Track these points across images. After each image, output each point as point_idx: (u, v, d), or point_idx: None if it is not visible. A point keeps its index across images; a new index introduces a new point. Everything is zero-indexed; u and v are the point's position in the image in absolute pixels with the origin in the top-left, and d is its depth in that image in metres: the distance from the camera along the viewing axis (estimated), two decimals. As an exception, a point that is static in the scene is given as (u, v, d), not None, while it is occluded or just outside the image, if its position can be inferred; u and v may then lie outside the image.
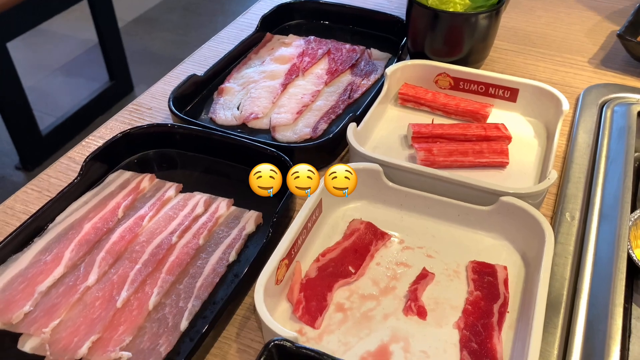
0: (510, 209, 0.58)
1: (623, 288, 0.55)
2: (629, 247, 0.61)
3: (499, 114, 0.77)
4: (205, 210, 0.63)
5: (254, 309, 0.53)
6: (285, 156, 0.64)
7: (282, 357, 0.44)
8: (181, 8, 2.99)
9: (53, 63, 2.48)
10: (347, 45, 0.89)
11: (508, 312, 0.53)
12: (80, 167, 0.64)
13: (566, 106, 0.70)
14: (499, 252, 0.59)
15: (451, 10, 0.77)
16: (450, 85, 0.79)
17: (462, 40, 0.78)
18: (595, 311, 0.54)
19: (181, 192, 0.66)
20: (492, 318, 0.53)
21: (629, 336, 0.58)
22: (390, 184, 0.63)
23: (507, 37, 0.96)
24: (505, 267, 0.57)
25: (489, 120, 0.76)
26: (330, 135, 0.68)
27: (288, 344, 0.44)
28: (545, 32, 0.98)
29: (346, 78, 0.83)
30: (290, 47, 0.89)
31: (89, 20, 2.06)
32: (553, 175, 0.61)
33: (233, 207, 0.64)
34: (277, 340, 0.44)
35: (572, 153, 0.71)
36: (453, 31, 0.78)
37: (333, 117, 0.76)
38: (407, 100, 0.78)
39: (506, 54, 0.92)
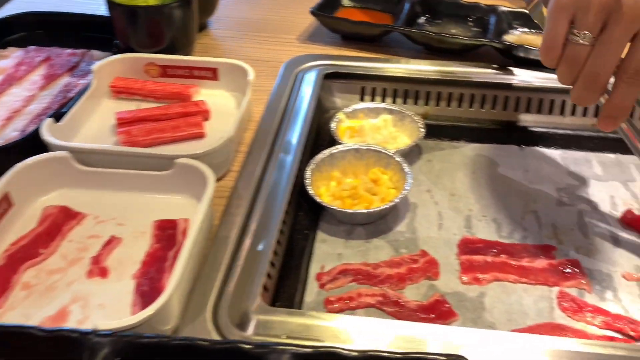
0: (185, 168, 0.66)
1: (282, 214, 0.66)
2: (308, 184, 0.73)
3: (206, 92, 0.86)
4: None
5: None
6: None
7: None
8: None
9: None
10: (68, 50, 0.93)
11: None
12: None
13: (251, 76, 0.81)
14: (183, 208, 0.67)
15: (143, 4, 0.85)
16: (160, 74, 0.86)
17: (161, 31, 0.86)
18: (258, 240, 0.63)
19: None
20: (166, 263, 0.60)
21: (310, 258, 0.69)
22: (83, 167, 0.68)
23: (230, 25, 1.06)
24: (187, 220, 0.65)
25: (198, 99, 0.84)
26: (25, 135, 0.72)
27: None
28: (266, 17, 1.09)
29: (64, 80, 0.87)
30: (8, 59, 0.90)
31: None
32: (223, 136, 0.70)
33: None
34: None
35: (265, 118, 0.81)
36: (150, 24, 0.85)
37: (44, 118, 0.80)
38: (119, 92, 0.84)
39: (225, 41, 1.02)
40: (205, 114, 0.79)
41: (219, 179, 0.72)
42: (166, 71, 0.85)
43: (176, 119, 0.77)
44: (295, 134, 0.78)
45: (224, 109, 0.83)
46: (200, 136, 0.77)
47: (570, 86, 0.60)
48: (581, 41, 0.56)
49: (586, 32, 0.56)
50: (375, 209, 0.70)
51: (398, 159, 0.77)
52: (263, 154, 0.74)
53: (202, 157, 0.68)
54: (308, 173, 0.74)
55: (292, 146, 0.76)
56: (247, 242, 0.63)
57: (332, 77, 0.90)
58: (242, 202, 0.67)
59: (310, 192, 0.72)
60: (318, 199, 0.71)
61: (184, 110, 0.79)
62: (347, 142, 0.83)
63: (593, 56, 0.56)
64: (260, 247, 0.62)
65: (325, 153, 0.78)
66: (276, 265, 0.65)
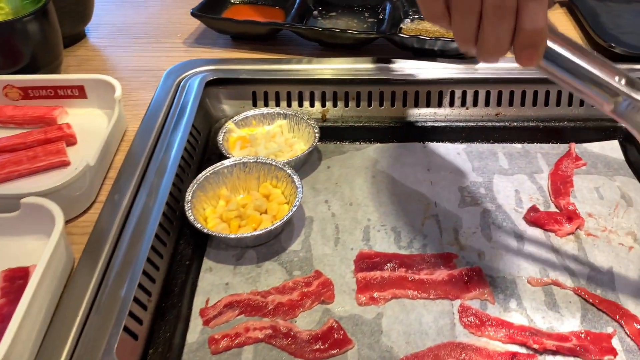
0: (33, 208, 0.58)
1: (148, 249, 0.59)
2: (189, 208, 0.65)
3: (75, 112, 0.77)
4: None
5: None
6: None
7: None
8: None
9: None
10: None
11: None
12: None
13: (118, 92, 0.73)
14: (37, 253, 0.59)
15: (-10, 19, 0.75)
16: (21, 96, 0.76)
17: (16, 48, 0.76)
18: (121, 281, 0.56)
19: None
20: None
21: (194, 292, 0.62)
22: None
23: (109, 33, 0.97)
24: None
25: (67, 121, 0.75)
26: None
27: None
28: (150, 22, 1.01)
29: None
30: None
31: None
32: (79, 167, 0.62)
33: None
34: None
35: (139, 136, 0.73)
36: (3, 41, 0.75)
37: None
38: (-29, 120, 0.74)
39: (105, 50, 0.93)
40: (70, 138, 0.70)
41: (82, 213, 0.64)
42: (28, 93, 0.76)
43: (35, 148, 0.68)
44: (174, 152, 0.70)
45: (95, 130, 0.74)
46: (64, 164, 0.68)
47: (471, 45, 0.49)
48: None
49: None
50: (263, 231, 0.63)
51: (288, 171, 0.70)
52: (134, 179, 0.66)
53: (56, 191, 0.59)
54: (189, 195, 0.67)
55: (169, 166, 0.68)
56: (110, 284, 0.55)
57: (218, 83, 0.82)
58: (105, 238, 0.59)
59: (190, 217, 0.65)
60: (199, 225, 0.64)
61: (45, 136, 0.69)
62: (238, 155, 0.77)
63: None
64: (123, 290, 0.55)
65: (209, 171, 0.70)
66: (149, 307, 0.57)
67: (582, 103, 0.83)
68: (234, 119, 0.80)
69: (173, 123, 0.74)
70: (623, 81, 0.50)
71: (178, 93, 0.80)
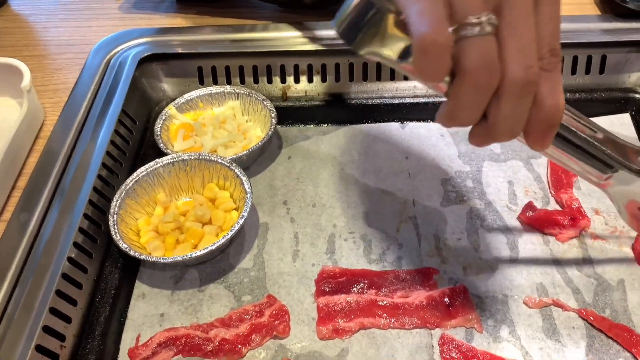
0: None
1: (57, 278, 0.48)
2: (114, 223, 0.54)
3: (-18, 102, 0.65)
4: None
5: None
6: None
7: None
8: None
9: None
10: None
11: None
12: None
13: (26, 81, 0.60)
14: None
15: None
16: None
17: None
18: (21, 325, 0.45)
19: None
20: None
21: (122, 327, 0.52)
22: None
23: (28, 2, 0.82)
24: None
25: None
26: None
27: None
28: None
29: None
30: None
31: None
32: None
33: None
34: None
35: (56, 131, 0.60)
36: None
37: None
38: None
39: (30, 19, 0.78)
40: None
41: (-20, 237, 0.52)
42: None
43: None
44: (96, 150, 0.58)
45: (6, 127, 0.61)
46: (-39, 172, 0.56)
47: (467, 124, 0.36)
48: (480, 30, 0.33)
49: (483, 14, 0.33)
50: (203, 252, 0.52)
51: (236, 170, 0.59)
52: (46, 189, 0.55)
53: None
54: (115, 206, 0.55)
55: (90, 169, 0.56)
56: (7, 335, 0.44)
57: (156, 59, 0.69)
58: (4, 272, 0.48)
59: (114, 235, 0.53)
60: (124, 247, 0.52)
61: (-63, 136, 0.57)
62: (181, 148, 0.65)
63: (508, 49, 0.33)
64: (22, 341, 0.44)
65: (141, 172, 0.59)
66: (62, 355, 0.47)
67: (587, 71, 0.70)
68: (176, 101, 0.67)
69: (99, 111, 0.62)
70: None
71: (107, 73, 0.66)
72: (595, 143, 0.41)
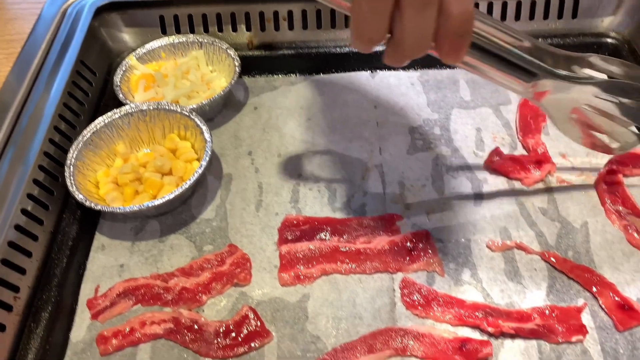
0: None
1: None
2: (70, 174, 0.53)
3: None
4: None
5: None
6: None
7: None
8: None
9: None
10: None
11: None
12: None
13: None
14: None
15: None
16: None
17: None
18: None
19: None
20: None
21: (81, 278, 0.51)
22: None
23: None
24: None
25: None
26: None
27: None
28: None
29: None
30: None
31: None
32: None
33: None
34: None
35: (9, 83, 0.58)
36: None
37: None
38: None
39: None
40: None
41: None
42: None
43: None
44: (50, 100, 0.56)
45: (-43, 76, 0.60)
46: None
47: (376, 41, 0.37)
48: None
49: None
50: (162, 201, 0.51)
51: (196, 119, 0.57)
52: (-1, 140, 0.53)
53: None
54: (72, 157, 0.54)
55: (43, 119, 0.55)
56: (-43, 286, 0.44)
57: (115, 8, 0.66)
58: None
59: (70, 186, 0.52)
60: (80, 197, 0.51)
61: None
62: (142, 99, 0.63)
63: None
64: (-26, 291, 0.43)
65: (98, 123, 0.57)
66: (16, 306, 0.46)
67: (560, 15, 0.69)
68: (137, 52, 0.65)
69: (53, 62, 0.60)
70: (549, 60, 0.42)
71: (64, 23, 0.64)
72: (514, 50, 0.40)
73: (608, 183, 0.54)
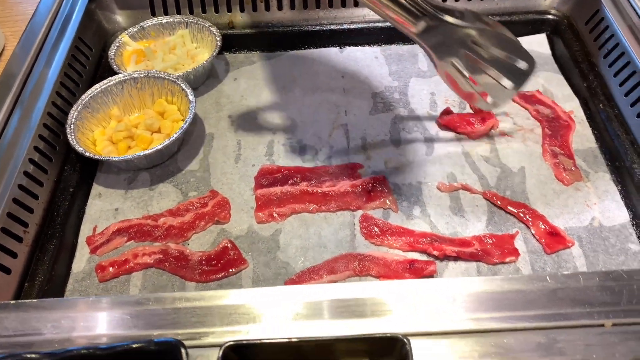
0: None
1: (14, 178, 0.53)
2: (71, 131, 0.60)
3: (-55, 31, 0.69)
4: None
5: None
6: None
7: None
8: None
9: None
10: None
11: None
12: None
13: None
14: None
15: None
16: None
17: None
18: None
19: None
20: None
21: (81, 220, 0.58)
22: None
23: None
24: None
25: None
26: None
27: None
28: None
29: None
30: None
31: None
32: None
33: None
34: None
35: (16, 56, 0.65)
36: None
37: None
38: None
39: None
40: None
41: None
42: None
43: None
44: (52, 69, 0.63)
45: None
46: None
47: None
48: None
49: None
50: (151, 151, 0.58)
51: (182, 85, 0.64)
52: (6, 102, 0.60)
53: None
54: (72, 117, 0.61)
55: (46, 84, 0.61)
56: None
57: (108, -9, 0.74)
58: (-30, 169, 0.54)
59: (71, 141, 0.59)
60: (80, 149, 0.58)
61: None
62: (133, 70, 0.70)
63: None
64: (-11, 223, 0.50)
65: (95, 89, 0.64)
66: (25, 238, 0.53)
67: (507, -5, 0.77)
68: (129, 30, 0.73)
69: (54, 37, 0.67)
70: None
71: (63, 5, 0.71)
72: None
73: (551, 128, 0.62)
